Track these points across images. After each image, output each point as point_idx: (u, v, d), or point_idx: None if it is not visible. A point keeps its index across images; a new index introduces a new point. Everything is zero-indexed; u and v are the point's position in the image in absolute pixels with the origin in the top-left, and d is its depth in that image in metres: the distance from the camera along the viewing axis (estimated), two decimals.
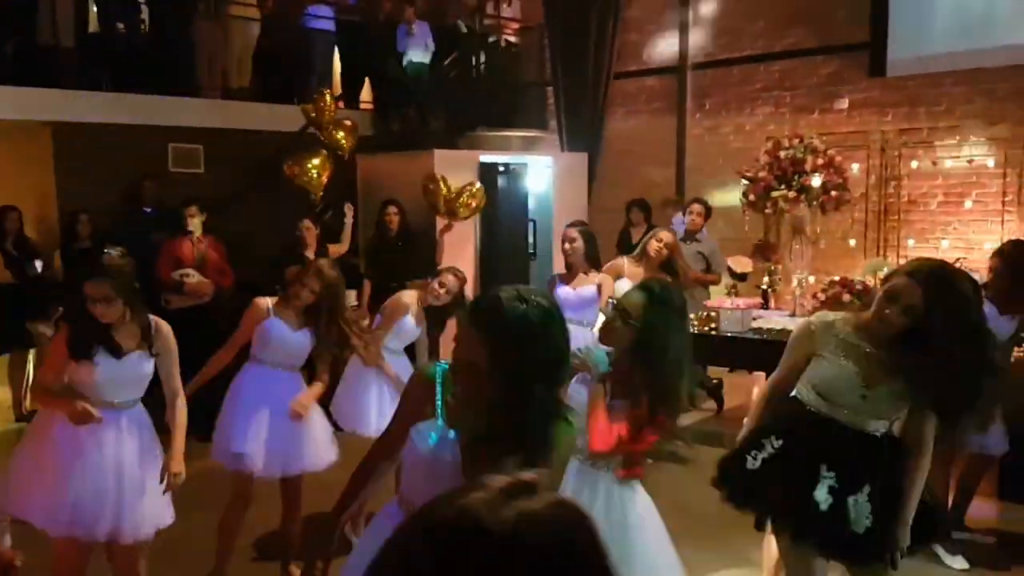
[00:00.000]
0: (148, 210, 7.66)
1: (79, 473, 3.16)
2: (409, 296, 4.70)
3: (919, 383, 2.74)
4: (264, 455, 3.89)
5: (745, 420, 3.16)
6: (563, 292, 5.27)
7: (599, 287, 5.28)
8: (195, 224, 6.69)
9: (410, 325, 4.68)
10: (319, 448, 4.06)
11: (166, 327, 3.41)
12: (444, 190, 7.53)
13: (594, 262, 5.40)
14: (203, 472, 4.15)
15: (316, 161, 7.47)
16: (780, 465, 2.86)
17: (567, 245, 5.37)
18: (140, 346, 3.30)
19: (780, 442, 2.89)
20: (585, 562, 0.90)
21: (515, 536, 0.87)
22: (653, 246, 5.61)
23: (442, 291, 4.58)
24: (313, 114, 7.74)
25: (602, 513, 2.68)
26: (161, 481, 3.30)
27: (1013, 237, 7.62)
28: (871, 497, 2.80)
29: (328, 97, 7.87)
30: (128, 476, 3.26)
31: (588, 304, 5.23)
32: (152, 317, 3.39)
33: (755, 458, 2.89)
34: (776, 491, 2.84)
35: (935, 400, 2.77)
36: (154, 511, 3.36)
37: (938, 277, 2.72)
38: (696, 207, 7.18)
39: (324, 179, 7.54)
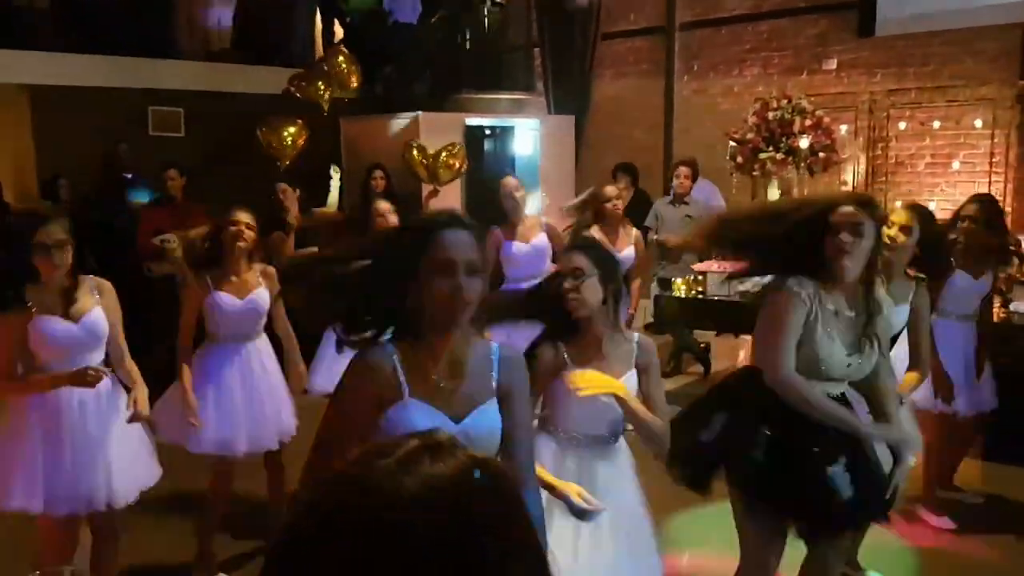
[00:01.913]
0: (129, 176, 7.56)
1: (55, 448, 3.10)
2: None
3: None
4: (245, 435, 3.79)
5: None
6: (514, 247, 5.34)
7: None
8: (175, 188, 6.58)
9: None
10: (286, 413, 3.97)
11: (108, 285, 3.31)
12: (419, 157, 7.38)
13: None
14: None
15: (292, 129, 7.36)
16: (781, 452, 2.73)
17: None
18: (91, 304, 3.20)
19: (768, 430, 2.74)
20: (495, 530, 0.81)
21: (415, 507, 0.79)
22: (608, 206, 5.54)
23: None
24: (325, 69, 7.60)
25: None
26: (130, 421, 3.22)
27: (998, 198, 7.64)
28: (848, 467, 2.73)
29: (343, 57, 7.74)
30: (108, 442, 3.21)
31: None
32: (92, 277, 3.27)
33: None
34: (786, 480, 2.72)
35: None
36: (140, 470, 3.33)
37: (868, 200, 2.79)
38: (683, 169, 7.10)
39: (298, 146, 7.44)
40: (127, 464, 3.26)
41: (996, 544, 4.20)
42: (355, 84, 7.75)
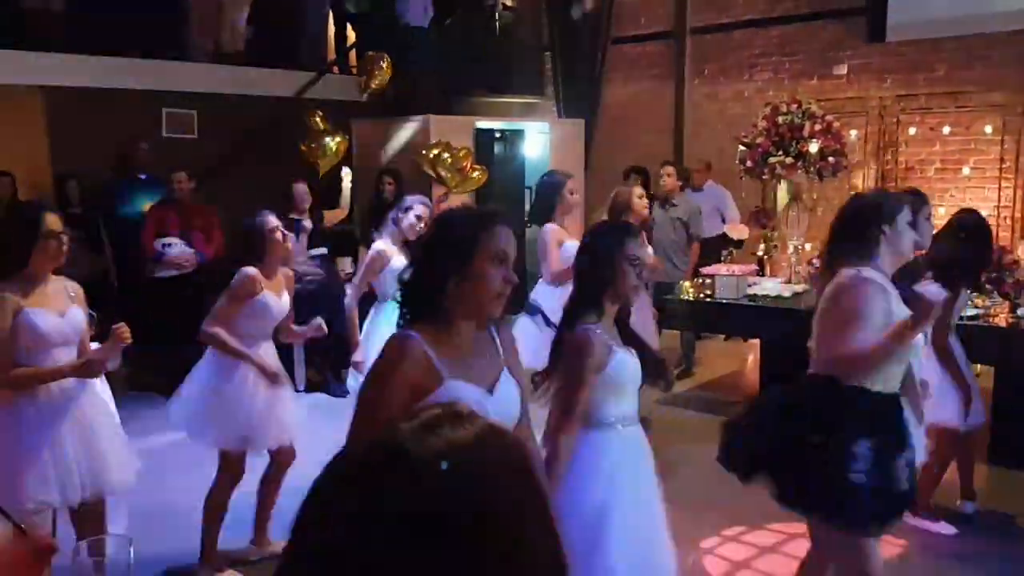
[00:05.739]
0: (143, 176, 7.62)
1: (52, 441, 3.10)
2: (383, 243, 4.60)
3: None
4: (266, 432, 3.83)
5: None
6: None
7: None
8: (183, 191, 6.60)
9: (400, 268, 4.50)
10: (290, 412, 3.99)
11: (78, 286, 3.31)
12: (433, 164, 7.44)
13: None
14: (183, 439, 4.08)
15: (337, 139, 7.56)
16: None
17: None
18: (69, 302, 3.21)
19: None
20: (513, 489, 0.88)
21: (437, 465, 0.84)
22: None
23: (420, 224, 4.46)
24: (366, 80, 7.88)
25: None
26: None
27: (1008, 204, 7.64)
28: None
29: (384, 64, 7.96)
30: (92, 434, 3.22)
31: None
32: (62, 277, 3.27)
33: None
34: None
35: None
36: (123, 463, 3.34)
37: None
38: (668, 168, 7.06)
39: (339, 155, 7.66)
40: (112, 457, 3.28)
41: (995, 549, 4.18)
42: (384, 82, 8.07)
